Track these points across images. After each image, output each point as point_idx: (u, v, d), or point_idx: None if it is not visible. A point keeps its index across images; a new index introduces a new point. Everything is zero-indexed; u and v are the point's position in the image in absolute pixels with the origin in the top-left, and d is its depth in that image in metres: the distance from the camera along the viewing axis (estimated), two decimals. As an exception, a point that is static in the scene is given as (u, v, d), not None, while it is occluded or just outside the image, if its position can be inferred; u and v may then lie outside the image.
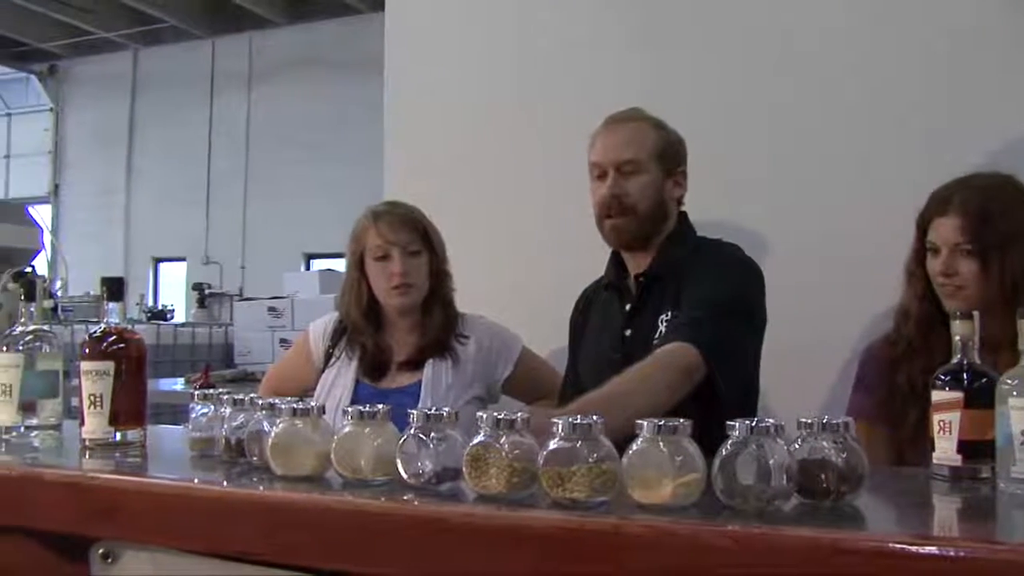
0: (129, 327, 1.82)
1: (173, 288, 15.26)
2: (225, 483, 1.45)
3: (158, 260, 15.75)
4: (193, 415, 1.64)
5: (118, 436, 1.70)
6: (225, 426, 1.55)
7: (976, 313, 1.43)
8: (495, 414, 1.24)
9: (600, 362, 2.25)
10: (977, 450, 1.35)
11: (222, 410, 1.58)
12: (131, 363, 1.73)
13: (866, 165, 2.63)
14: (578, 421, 1.18)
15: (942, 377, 1.41)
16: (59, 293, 8.60)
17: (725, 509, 1.15)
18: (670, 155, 2.28)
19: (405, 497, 1.25)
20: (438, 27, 3.31)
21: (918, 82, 2.59)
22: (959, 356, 1.41)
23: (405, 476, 1.28)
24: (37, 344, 1.82)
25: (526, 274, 3.01)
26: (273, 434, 1.41)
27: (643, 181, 2.24)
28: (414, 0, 3.38)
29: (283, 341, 7.79)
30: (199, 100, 14.79)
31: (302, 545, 1.27)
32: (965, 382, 1.38)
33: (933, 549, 0.97)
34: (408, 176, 3.23)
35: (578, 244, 2.46)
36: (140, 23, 14.27)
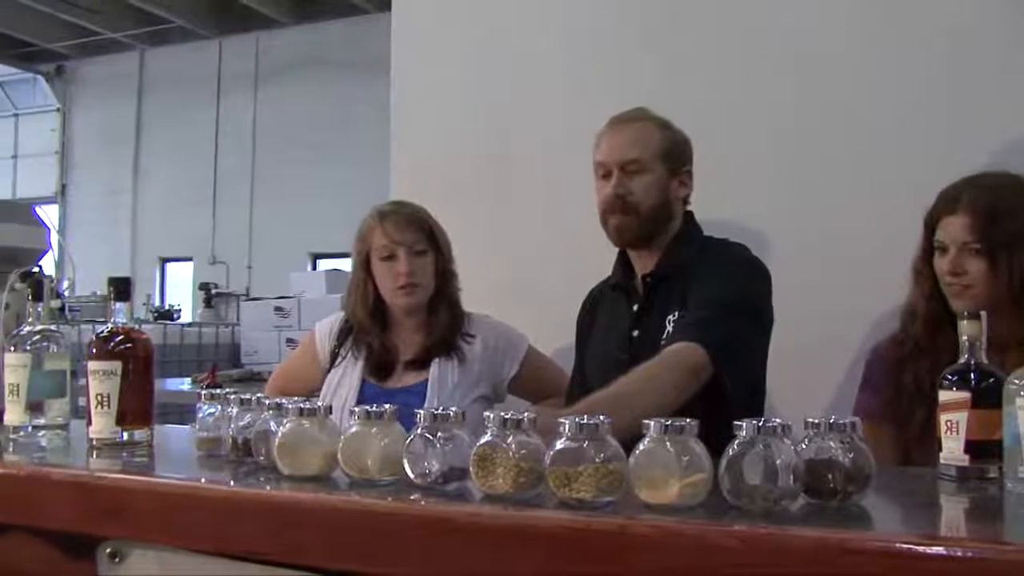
0: (136, 327, 1.82)
1: (180, 288, 15.29)
2: (232, 483, 1.45)
3: (165, 260, 15.78)
4: (200, 415, 1.64)
5: (125, 436, 1.70)
6: (232, 426, 1.55)
7: (984, 313, 1.43)
8: (502, 414, 1.24)
9: (607, 362, 2.24)
10: (984, 450, 1.35)
11: (229, 410, 1.58)
12: (138, 363, 1.73)
13: (868, 165, 2.62)
14: (585, 421, 1.18)
15: (949, 377, 1.41)
16: (66, 293, 8.59)
17: (732, 509, 1.15)
18: (675, 154, 2.28)
19: (412, 497, 1.25)
20: (444, 27, 3.31)
21: (918, 82, 2.59)
22: (966, 356, 1.41)
23: (412, 476, 1.28)
24: (44, 344, 1.82)
25: (532, 274, 3.01)
26: (280, 434, 1.41)
27: (647, 181, 2.24)
28: (420, 0, 3.38)
29: (289, 341, 7.80)
30: (206, 100, 14.81)
31: (309, 545, 1.27)
32: (972, 382, 1.38)
33: (940, 549, 0.97)
34: (414, 176, 3.24)
35: (584, 244, 2.46)
36: (147, 23, 14.30)
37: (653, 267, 2.28)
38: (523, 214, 3.09)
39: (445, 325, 2.52)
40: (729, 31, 2.84)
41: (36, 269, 2.36)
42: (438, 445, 1.27)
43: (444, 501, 1.23)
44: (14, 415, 1.80)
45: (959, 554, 0.96)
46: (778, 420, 1.17)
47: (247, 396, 1.57)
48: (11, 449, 1.75)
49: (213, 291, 14.01)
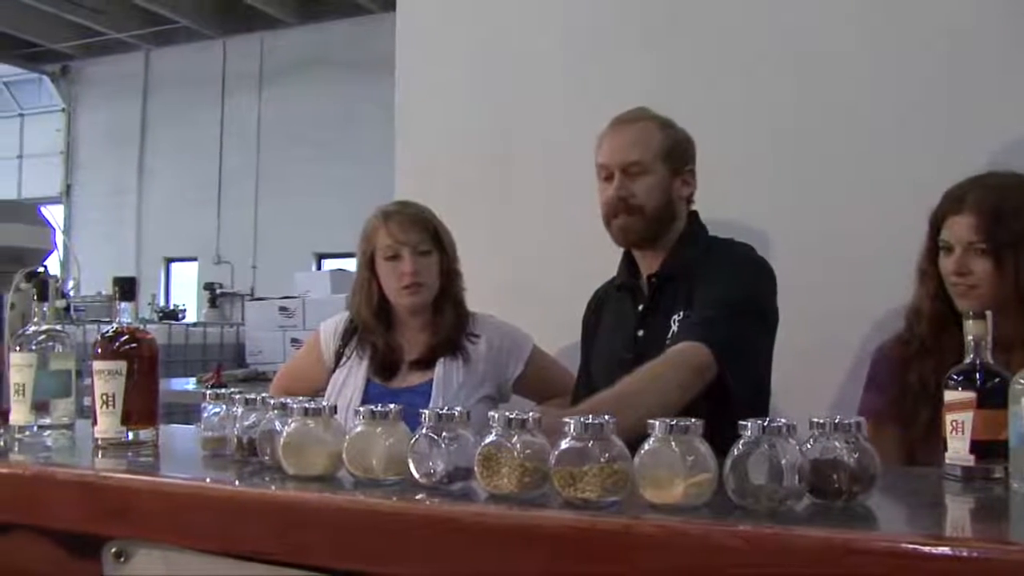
0: (141, 327, 1.83)
1: (185, 288, 15.30)
2: (237, 482, 1.45)
3: (170, 260, 15.80)
4: (205, 414, 1.64)
5: (130, 435, 1.70)
6: (237, 426, 1.55)
7: (989, 313, 1.42)
8: (507, 414, 1.24)
9: (612, 362, 2.24)
10: (990, 450, 1.34)
11: (234, 410, 1.58)
12: (143, 363, 1.73)
13: (869, 165, 2.62)
14: (590, 421, 1.18)
15: (955, 377, 1.40)
16: (71, 293, 8.62)
17: (737, 509, 1.14)
18: (677, 154, 2.28)
19: (417, 497, 1.25)
20: (449, 27, 3.31)
21: (918, 82, 2.59)
22: (972, 355, 1.40)
23: (417, 476, 1.28)
24: (50, 344, 1.83)
25: (536, 273, 3.01)
26: (285, 434, 1.41)
27: (649, 182, 2.24)
28: (425, 0, 3.38)
29: (294, 341, 7.80)
30: (210, 100, 14.83)
31: (314, 544, 1.27)
32: (978, 382, 1.38)
33: (946, 549, 0.97)
34: (418, 176, 3.24)
35: (588, 244, 2.46)
36: (152, 24, 14.32)
37: (658, 267, 2.28)
38: (527, 214, 3.09)
39: (450, 325, 2.52)
40: (730, 31, 2.84)
41: (41, 269, 2.36)
42: (443, 445, 1.27)
43: (449, 501, 1.23)
44: (20, 415, 1.80)
45: (964, 554, 0.96)
46: (783, 420, 1.17)
47: (252, 396, 1.57)
48: (17, 449, 1.75)
49: (218, 291, 13.99)
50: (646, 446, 1.18)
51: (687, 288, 2.18)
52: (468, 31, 3.28)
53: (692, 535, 1.08)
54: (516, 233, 3.09)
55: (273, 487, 1.38)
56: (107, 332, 1.75)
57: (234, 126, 14.70)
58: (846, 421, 1.20)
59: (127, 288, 1.82)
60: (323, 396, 2.51)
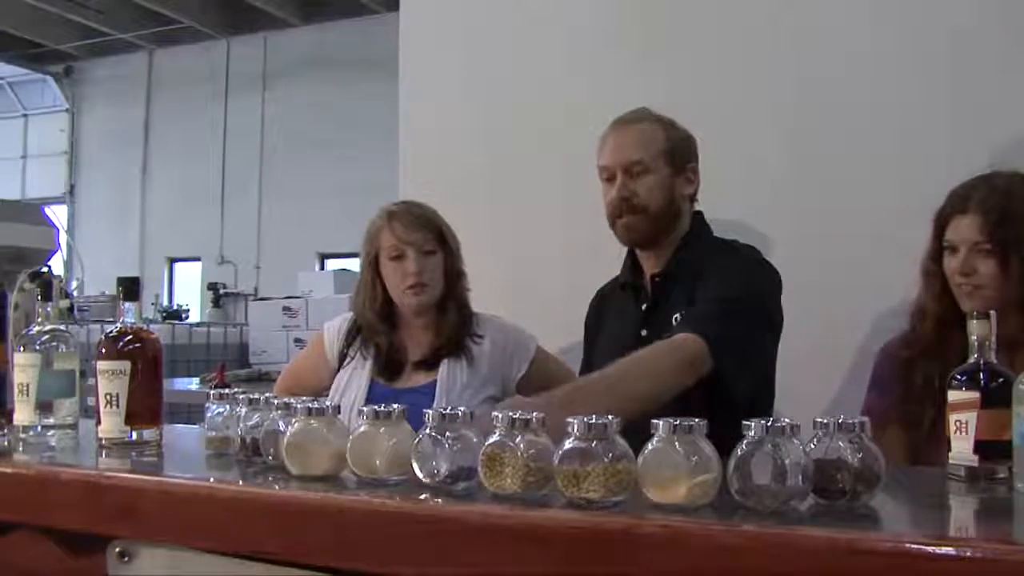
0: (145, 327, 1.83)
1: (188, 288, 15.31)
2: (240, 482, 1.45)
3: (173, 260, 15.80)
4: (208, 414, 1.64)
5: (134, 435, 1.71)
6: (240, 425, 1.55)
7: (993, 312, 1.42)
8: (510, 414, 1.24)
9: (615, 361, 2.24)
10: (994, 450, 1.34)
11: (237, 410, 1.58)
12: (147, 363, 1.73)
13: (870, 165, 2.63)
14: (594, 421, 1.18)
15: (959, 377, 1.40)
16: (75, 293, 8.64)
17: (740, 509, 1.14)
18: (679, 152, 2.28)
19: (420, 497, 1.25)
20: (452, 27, 3.32)
21: (919, 82, 2.59)
22: (976, 356, 1.40)
23: (420, 476, 1.28)
24: (54, 344, 1.83)
25: (540, 274, 3.02)
26: (288, 434, 1.41)
27: (651, 181, 2.24)
28: (428, 0, 3.38)
29: (298, 341, 7.81)
30: (214, 100, 14.83)
31: (317, 544, 1.27)
32: (982, 382, 1.37)
33: (950, 550, 0.97)
34: (422, 176, 3.24)
35: (592, 244, 2.46)
36: (155, 24, 14.32)
37: (662, 267, 2.28)
38: (530, 214, 3.09)
39: (454, 325, 2.52)
40: (731, 32, 2.85)
41: (45, 269, 2.36)
42: (447, 445, 1.27)
43: (453, 501, 1.23)
44: (24, 415, 1.80)
45: (968, 555, 0.96)
46: (787, 420, 1.17)
47: (255, 396, 1.57)
48: (21, 449, 1.76)
49: (221, 291, 14.02)
50: (650, 446, 1.18)
51: (690, 288, 2.18)
52: (471, 31, 3.28)
53: (696, 535, 1.08)
54: (519, 233, 3.10)
55: (277, 487, 1.38)
56: (111, 332, 1.75)
57: (237, 126, 14.70)
58: (850, 421, 1.20)
59: (131, 288, 1.82)
60: (327, 396, 2.51)
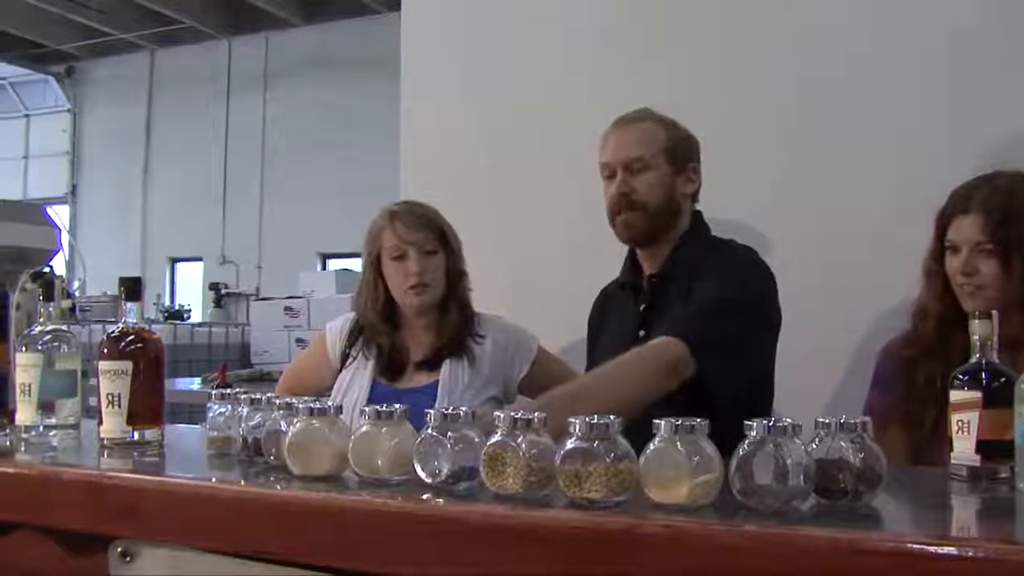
0: (147, 327, 1.83)
1: (190, 288, 15.31)
2: (242, 482, 1.45)
3: (175, 260, 15.80)
4: (210, 414, 1.64)
5: (136, 435, 1.71)
6: (242, 426, 1.55)
7: (995, 312, 1.42)
8: (512, 414, 1.24)
9: (616, 361, 2.24)
10: (996, 450, 1.34)
11: (239, 410, 1.58)
12: (149, 363, 1.73)
13: (870, 165, 2.63)
14: (595, 421, 1.18)
15: (961, 376, 1.40)
16: (77, 293, 8.65)
17: (742, 509, 1.14)
18: (680, 151, 2.28)
19: (422, 497, 1.25)
20: (454, 27, 3.32)
21: (920, 82, 2.59)
22: (978, 355, 1.40)
23: (422, 476, 1.28)
24: (55, 344, 1.82)
25: (542, 274, 3.02)
26: (290, 434, 1.41)
27: (651, 178, 2.24)
28: (430, 0, 3.38)
29: (299, 341, 7.81)
30: (215, 100, 14.83)
31: (319, 544, 1.27)
32: (984, 382, 1.37)
33: (952, 550, 0.97)
34: (424, 176, 3.24)
35: (594, 244, 2.46)
36: (157, 24, 14.32)
37: (660, 266, 2.28)
38: (532, 213, 3.09)
39: (456, 325, 2.52)
40: (731, 32, 2.85)
41: (47, 269, 2.37)
42: (448, 445, 1.27)
43: (454, 501, 1.23)
44: (25, 415, 1.80)
45: (970, 555, 0.96)
46: (789, 420, 1.17)
47: (257, 396, 1.57)
48: (23, 449, 1.76)
49: (223, 291, 14.03)
50: (651, 446, 1.18)
51: (687, 288, 2.18)
52: (473, 31, 3.28)
53: (697, 535, 1.08)
54: (520, 233, 3.10)
55: (278, 487, 1.38)
56: (113, 332, 1.75)
57: (239, 126, 14.70)
58: (851, 421, 1.20)
59: (133, 288, 1.82)
60: (329, 396, 2.51)
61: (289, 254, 13.52)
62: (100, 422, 1.72)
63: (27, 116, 17.00)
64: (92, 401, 1.80)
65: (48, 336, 1.83)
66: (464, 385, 2.47)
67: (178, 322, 10.25)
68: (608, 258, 2.42)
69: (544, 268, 3.02)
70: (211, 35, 14.63)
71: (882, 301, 2.43)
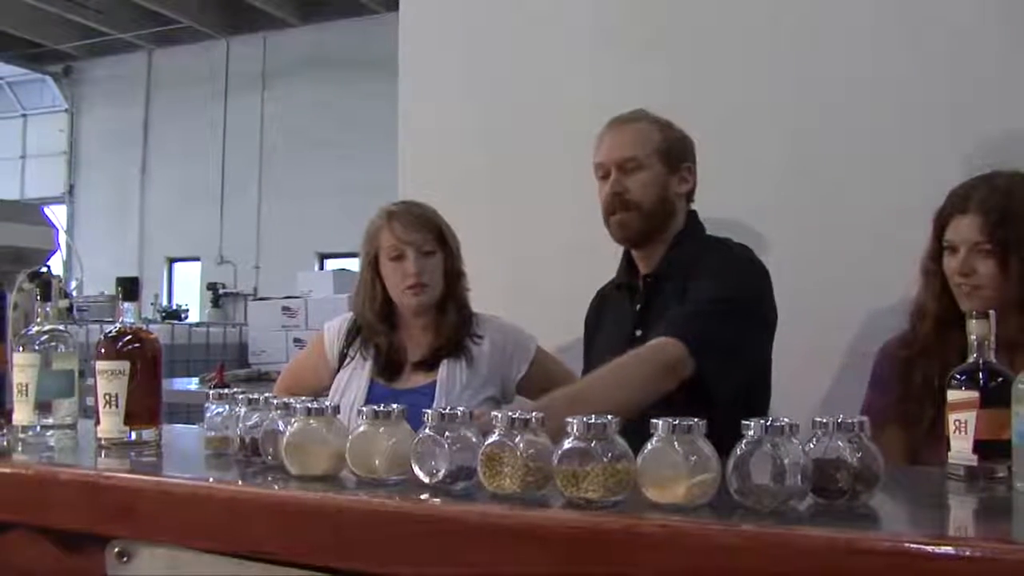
0: (144, 327, 1.83)
1: (187, 288, 15.30)
2: (240, 482, 1.45)
3: (172, 260, 15.79)
4: (208, 414, 1.64)
5: (133, 435, 1.71)
6: (240, 425, 1.55)
7: (992, 312, 1.42)
8: (509, 414, 1.24)
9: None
10: (993, 450, 1.34)
11: (237, 409, 1.58)
12: (146, 363, 1.73)
13: (868, 165, 2.63)
14: (593, 421, 1.18)
15: (958, 376, 1.40)
16: (74, 293, 8.64)
17: (739, 509, 1.14)
18: (674, 151, 2.28)
19: (420, 497, 1.25)
20: (452, 27, 3.32)
21: (919, 82, 2.59)
22: (975, 355, 1.40)
23: (419, 475, 1.28)
24: (53, 344, 1.82)
25: (540, 274, 3.01)
26: (288, 434, 1.41)
27: (644, 178, 2.24)
28: (428, 0, 3.38)
29: (297, 340, 7.81)
30: (213, 100, 14.82)
31: (316, 544, 1.27)
32: (981, 381, 1.37)
33: (949, 549, 0.97)
34: (422, 176, 3.24)
35: (592, 244, 2.46)
36: (155, 24, 14.31)
37: (655, 266, 2.28)
38: (530, 214, 3.09)
39: (454, 325, 2.52)
40: (730, 32, 2.85)
41: (44, 269, 2.36)
42: (446, 445, 1.27)
43: (452, 501, 1.23)
44: (23, 415, 1.80)
45: (967, 554, 0.96)
46: (786, 419, 1.17)
47: (255, 396, 1.57)
48: (20, 449, 1.75)
49: (220, 291, 14.02)
50: (649, 446, 1.18)
51: (682, 288, 2.17)
52: (471, 31, 3.28)
53: (695, 535, 1.08)
54: (518, 233, 3.10)
55: (276, 487, 1.38)
56: (110, 332, 1.75)
57: (237, 126, 14.69)
58: (849, 420, 1.20)
59: (130, 288, 1.82)
60: (327, 396, 2.51)
61: (287, 254, 13.51)
62: (97, 422, 1.72)
63: (24, 116, 16.98)
64: (89, 401, 1.80)
65: (45, 336, 1.83)
66: (462, 385, 2.47)
67: (175, 322, 10.24)
68: (606, 258, 2.42)
69: (542, 268, 3.02)
70: (209, 35, 14.62)
71: (880, 301, 2.43)
